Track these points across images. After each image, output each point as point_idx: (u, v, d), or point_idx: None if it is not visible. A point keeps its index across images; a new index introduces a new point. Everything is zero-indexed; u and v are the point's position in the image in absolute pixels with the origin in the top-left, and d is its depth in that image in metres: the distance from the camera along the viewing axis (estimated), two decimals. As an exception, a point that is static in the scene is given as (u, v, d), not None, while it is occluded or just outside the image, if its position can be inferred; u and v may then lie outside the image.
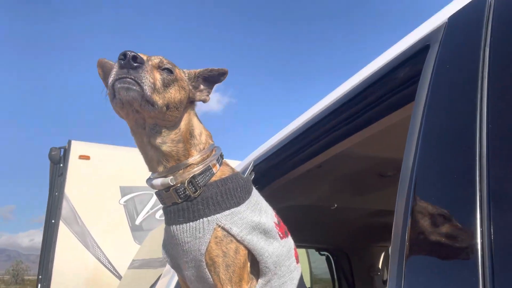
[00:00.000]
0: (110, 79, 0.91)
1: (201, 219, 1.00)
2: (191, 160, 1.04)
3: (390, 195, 1.60)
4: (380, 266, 3.58)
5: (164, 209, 1.10)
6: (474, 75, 0.67)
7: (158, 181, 1.04)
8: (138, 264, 3.50)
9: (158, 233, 3.57)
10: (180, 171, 1.03)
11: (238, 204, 1.03)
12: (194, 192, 1.02)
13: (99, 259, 4.66)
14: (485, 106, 0.63)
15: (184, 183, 1.02)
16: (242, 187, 1.07)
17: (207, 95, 1.14)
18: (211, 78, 1.14)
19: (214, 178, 1.06)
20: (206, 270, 1.01)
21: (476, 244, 0.57)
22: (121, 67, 0.90)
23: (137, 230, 4.93)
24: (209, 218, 1.00)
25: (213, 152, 1.10)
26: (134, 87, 0.90)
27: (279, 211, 2.31)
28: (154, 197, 5.14)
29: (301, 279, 1.19)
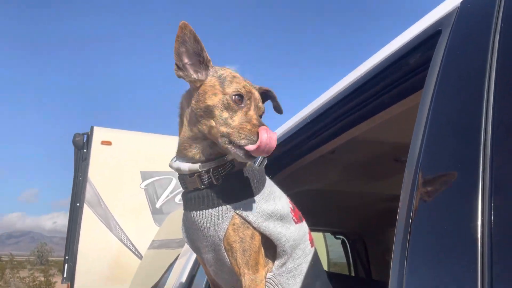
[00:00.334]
0: (241, 143, 0.99)
1: (220, 207, 1.05)
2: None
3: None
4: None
5: (184, 195, 1.15)
6: (482, 63, 0.68)
7: (186, 166, 1.09)
8: (157, 245, 3.62)
9: (176, 216, 3.68)
10: (211, 161, 1.08)
11: (254, 194, 1.09)
12: (217, 181, 1.07)
13: (122, 241, 4.83)
14: (492, 96, 0.63)
15: (209, 171, 1.07)
16: (258, 179, 1.13)
17: None
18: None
19: (234, 169, 1.11)
20: (225, 254, 1.07)
21: (476, 231, 0.58)
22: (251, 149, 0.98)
23: (157, 213, 5.08)
24: (227, 206, 1.05)
25: None
26: (250, 161, 1.07)
27: (293, 196, 2.37)
28: (174, 182, 5.26)
29: (316, 261, 1.24)
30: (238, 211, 1.06)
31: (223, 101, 1.01)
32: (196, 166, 1.07)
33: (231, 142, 0.99)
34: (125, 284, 3.89)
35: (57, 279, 15.67)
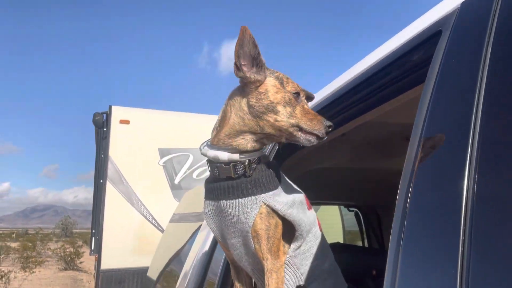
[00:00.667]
0: (315, 131, 1.14)
1: (249, 197, 1.15)
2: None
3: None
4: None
5: (212, 183, 1.23)
6: (475, 69, 0.75)
7: (225, 155, 1.17)
8: (177, 218, 3.78)
9: (193, 192, 3.84)
10: (248, 153, 1.18)
11: (277, 186, 1.19)
12: (250, 171, 1.17)
13: (144, 215, 5.07)
14: (481, 104, 0.71)
15: (245, 163, 1.17)
16: (277, 173, 1.23)
17: None
18: None
19: (260, 163, 1.21)
20: (251, 239, 1.17)
21: (461, 203, 0.68)
22: (325, 132, 1.15)
23: (176, 189, 5.27)
24: (256, 196, 1.15)
25: None
26: (316, 143, 1.17)
27: (308, 174, 2.46)
28: (191, 158, 5.42)
29: (324, 244, 1.35)
30: (266, 201, 1.15)
31: (284, 98, 1.15)
32: (236, 156, 1.16)
33: (301, 129, 1.14)
34: (149, 255, 4.10)
35: (84, 249, 16.93)
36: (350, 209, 4.06)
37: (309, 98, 1.32)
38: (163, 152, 5.35)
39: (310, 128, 1.13)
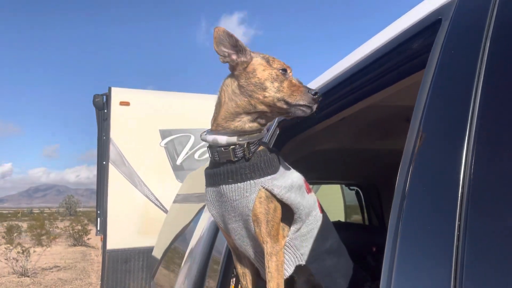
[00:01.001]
0: (297, 101, 1.16)
1: (248, 181, 1.19)
2: (264, 128, 1.25)
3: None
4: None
5: (211, 170, 1.26)
6: (473, 59, 0.76)
7: (223, 139, 1.21)
8: (180, 198, 3.84)
9: (195, 173, 3.89)
10: (246, 135, 1.21)
11: (275, 171, 1.22)
12: (249, 154, 1.20)
13: (147, 197, 5.14)
14: (479, 94, 0.73)
15: (244, 145, 1.20)
16: (277, 158, 1.26)
17: None
18: None
19: (259, 148, 1.24)
20: (251, 223, 1.21)
21: (459, 176, 0.71)
22: (313, 100, 1.18)
23: (178, 170, 5.32)
24: (255, 180, 1.19)
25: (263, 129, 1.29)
26: (309, 113, 1.20)
27: (308, 156, 2.48)
28: (192, 139, 5.44)
29: (326, 226, 1.39)
30: (264, 185, 1.19)
31: (271, 74, 1.19)
32: (234, 138, 1.19)
33: (287, 103, 1.17)
34: (153, 235, 4.18)
35: (91, 227, 18.01)
36: (351, 187, 4.12)
37: None
38: (164, 134, 5.37)
39: (295, 100, 1.16)
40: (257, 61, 1.21)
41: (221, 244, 2.05)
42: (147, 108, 5.40)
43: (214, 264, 2.06)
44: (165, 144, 5.34)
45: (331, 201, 4.63)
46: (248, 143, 1.21)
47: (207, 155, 1.32)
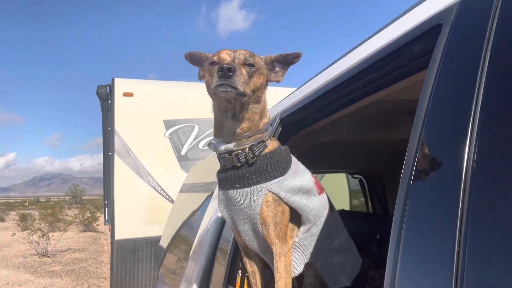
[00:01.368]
0: (213, 84, 1.14)
1: (254, 186, 1.21)
2: (256, 131, 1.24)
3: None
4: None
5: (220, 174, 1.29)
6: (475, 66, 0.77)
7: (222, 146, 1.23)
8: (186, 188, 3.89)
9: (200, 164, 3.92)
10: (244, 139, 1.22)
11: (283, 173, 1.23)
12: (252, 159, 1.21)
13: (153, 187, 5.20)
14: (480, 104, 0.74)
15: (245, 150, 1.21)
16: (285, 159, 1.26)
17: (281, 76, 1.32)
18: (286, 61, 1.30)
19: (266, 151, 1.24)
20: (259, 225, 1.24)
21: (462, 168, 0.73)
22: (220, 77, 1.12)
23: (183, 160, 5.36)
24: (261, 185, 1.21)
25: (268, 129, 1.29)
26: (231, 89, 1.13)
27: (313, 147, 2.51)
28: (197, 128, 5.47)
29: (335, 224, 1.41)
30: (270, 189, 1.21)
31: (208, 71, 1.22)
32: (231, 145, 1.22)
33: (210, 90, 1.19)
34: (160, 225, 4.25)
35: (98, 214, 19.74)
36: (354, 176, 4.15)
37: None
38: (168, 124, 5.39)
39: (211, 84, 1.16)
40: (206, 66, 1.26)
41: (228, 234, 2.09)
42: (151, 98, 5.41)
43: (221, 253, 2.11)
44: (169, 135, 5.37)
45: (335, 187, 4.67)
46: (251, 146, 1.22)
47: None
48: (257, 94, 1.23)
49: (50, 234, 12.21)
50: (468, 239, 0.67)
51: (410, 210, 0.83)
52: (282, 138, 1.84)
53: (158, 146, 5.31)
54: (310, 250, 1.34)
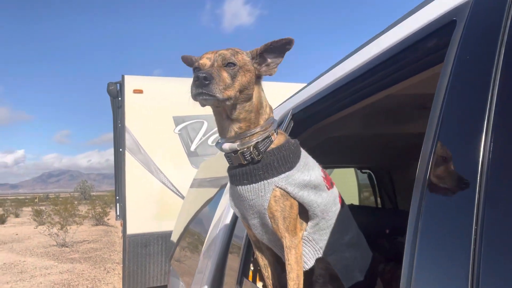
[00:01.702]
0: (192, 93, 1.13)
1: (262, 182, 1.22)
2: (258, 128, 1.23)
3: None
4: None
5: (230, 171, 1.31)
6: (489, 63, 0.80)
7: (226, 146, 1.24)
8: (196, 183, 3.93)
9: (210, 159, 3.96)
10: (247, 138, 1.22)
11: (291, 168, 1.23)
12: (258, 156, 1.22)
13: (163, 183, 5.26)
14: (494, 102, 0.76)
15: (250, 148, 1.22)
16: (294, 153, 1.26)
17: (274, 68, 1.26)
18: (277, 50, 1.24)
19: (272, 146, 1.24)
20: (269, 220, 1.25)
21: (477, 163, 0.74)
22: (197, 86, 1.11)
23: (192, 156, 5.41)
24: (268, 180, 1.21)
25: (273, 123, 1.28)
26: (210, 98, 1.12)
27: (324, 142, 2.53)
28: (205, 125, 5.51)
29: (345, 219, 1.42)
30: (278, 184, 1.21)
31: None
32: (235, 145, 1.23)
33: (192, 99, 1.17)
34: (171, 220, 4.30)
35: (108, 209, 21.47)
36: (363, 170, 4.17)
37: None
38: (177, 120, 5.44)
39: (191, 91, 1.15)
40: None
41: (241, 228, 2.12)
42: (160, 95, 5.45)
43: (235, 245, 2.14)
44: (179, 131, 5.42)
45: (344, 181, 4.68)
46: (256, 144, 1.22)
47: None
48: (246, 93, 1.20)
49: (68, 228, 13.45)
50: (484, 236, 0.68)
51: (426, 207, 0.84)
52: (294, 134, 1.86)
53: (168, 142, 5.36)
54: (321, 244, 1.35)
